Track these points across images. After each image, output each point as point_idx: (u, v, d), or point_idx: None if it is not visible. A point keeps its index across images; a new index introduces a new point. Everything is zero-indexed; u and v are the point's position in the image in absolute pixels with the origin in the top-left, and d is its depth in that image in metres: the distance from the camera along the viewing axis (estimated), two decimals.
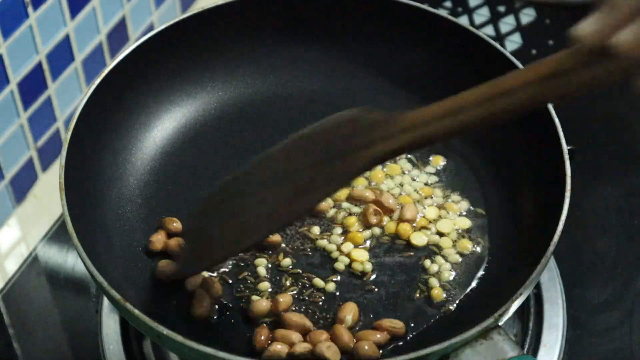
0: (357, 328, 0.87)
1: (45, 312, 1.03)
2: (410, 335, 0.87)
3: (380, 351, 0.85)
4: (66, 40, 1.08)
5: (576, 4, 1.26)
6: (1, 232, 1.09)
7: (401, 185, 0.97)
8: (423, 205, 0.95)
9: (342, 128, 0.78)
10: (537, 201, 0.93)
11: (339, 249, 0.92)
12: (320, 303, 0.89)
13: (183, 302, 0.89)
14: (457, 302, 0.89)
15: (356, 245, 0.92)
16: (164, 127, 1.01)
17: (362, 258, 0.91)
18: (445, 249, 0.92)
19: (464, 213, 0.95)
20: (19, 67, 1.04)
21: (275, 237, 0.91)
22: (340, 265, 0.91)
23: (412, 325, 0.87)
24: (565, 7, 1.27)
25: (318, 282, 0.90)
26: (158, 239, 0.91)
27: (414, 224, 0.94)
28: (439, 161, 0.99)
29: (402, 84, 1.03)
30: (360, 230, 0.93)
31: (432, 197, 0.96)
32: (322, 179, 0.78)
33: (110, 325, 0.97)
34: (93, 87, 0.93)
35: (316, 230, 0.93)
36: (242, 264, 0.91)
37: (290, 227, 0.93)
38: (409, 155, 0.99)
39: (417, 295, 0.89)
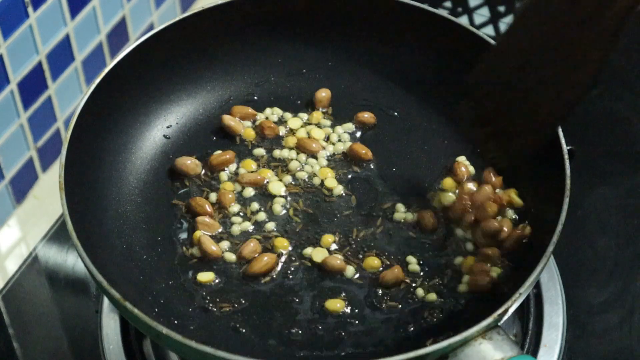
0: None
1: (45, 312, 1.03)
2: (411, 330, 0.87)
3: None
4: (66, 40, 1.08)
5: None
6: (1, 232, 1.09)
7: None
8: None
9: None
10: (537, 201, 0.93)
11: None
12: None
13: (182, 301, 0.89)
14: (456, 301, 0.89)
15: None
16: (164, 126, 1.01)
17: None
18: None
19: None
20: (19, 67, 1.04)
21: None
22: None
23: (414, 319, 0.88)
24: None
25: None
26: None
27: None
28: None
29: (402, 84, 1.03)
30: None
31: None
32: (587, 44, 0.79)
33: (110, 325, 0.97)
34: (93, 87, 0.93)
35: None
36: None
37: None
38: None
39: None
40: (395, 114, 1.02)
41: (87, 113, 0.91)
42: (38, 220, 1.09)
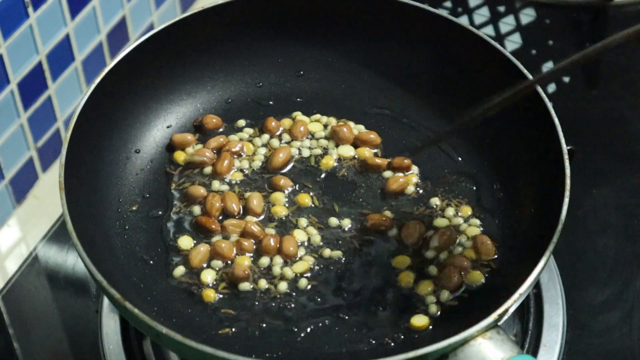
0: None
1: (45, 312, 1.03)
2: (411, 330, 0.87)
3: None
4: (66, 40, 1.08)
5: (576, 4, 1.26)
6: (1, 232, 1.09)
7: None
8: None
9: None
10: (537, 201, 0.93)
11: None
12: None
13: (183, 300, 0.89)
14: (456, 301, 0.89)
15: None
16: (163, 126, 1.01)
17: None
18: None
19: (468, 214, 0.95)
20: (19, 67, 1.04)
21: None
22: None
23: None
24: (565, 7, 1.27)
25: None
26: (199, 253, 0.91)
27: None
28: None
29: (402, 84, 1.03)
30: None
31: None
32: None
33: (110, 325, 0.97)
34: (93, 87, 0.93)
35: None
36: None
37: None
38: None
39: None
40: (396, 114, 1.03)
41: (87, 113, 0.91)
42: (38, 220, 1.09)
